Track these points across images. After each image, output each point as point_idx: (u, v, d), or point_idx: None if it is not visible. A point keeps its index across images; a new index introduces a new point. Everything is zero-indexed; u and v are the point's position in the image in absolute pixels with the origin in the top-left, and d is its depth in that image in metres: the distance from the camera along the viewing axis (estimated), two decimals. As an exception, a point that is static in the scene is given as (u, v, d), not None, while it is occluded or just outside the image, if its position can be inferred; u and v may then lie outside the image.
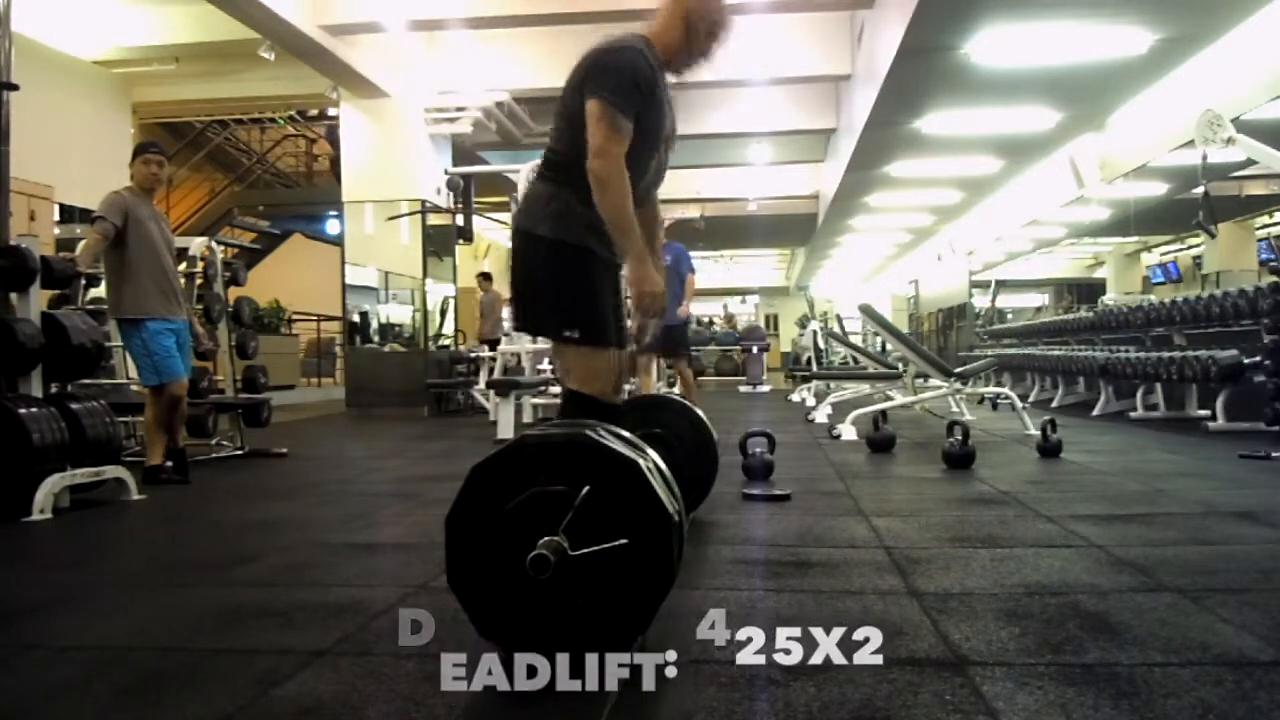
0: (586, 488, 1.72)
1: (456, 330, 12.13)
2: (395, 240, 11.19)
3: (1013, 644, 1.85)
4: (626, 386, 6.43)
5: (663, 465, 1.90)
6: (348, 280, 11.31)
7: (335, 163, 15.00)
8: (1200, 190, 5.88)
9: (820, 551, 2.77)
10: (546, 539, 1.70)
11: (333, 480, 4.80)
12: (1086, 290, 19.07)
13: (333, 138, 15.14)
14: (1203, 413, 6.72)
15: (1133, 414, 7.31)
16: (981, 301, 17.41)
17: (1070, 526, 3.04)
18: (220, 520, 3.70)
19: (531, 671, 1.68)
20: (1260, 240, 13.61)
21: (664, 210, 2.80)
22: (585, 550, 1.70)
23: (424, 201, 10.95)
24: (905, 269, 23.73)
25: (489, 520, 1.75)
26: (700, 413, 3.30)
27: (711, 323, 22.35)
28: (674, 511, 1.78)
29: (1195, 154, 5.74)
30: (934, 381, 6.85)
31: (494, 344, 11.14)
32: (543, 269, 2.45)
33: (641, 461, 1.78)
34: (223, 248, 6.46)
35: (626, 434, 1.91)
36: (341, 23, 9.44)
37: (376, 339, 11.71)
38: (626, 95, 2.36)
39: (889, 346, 11.38)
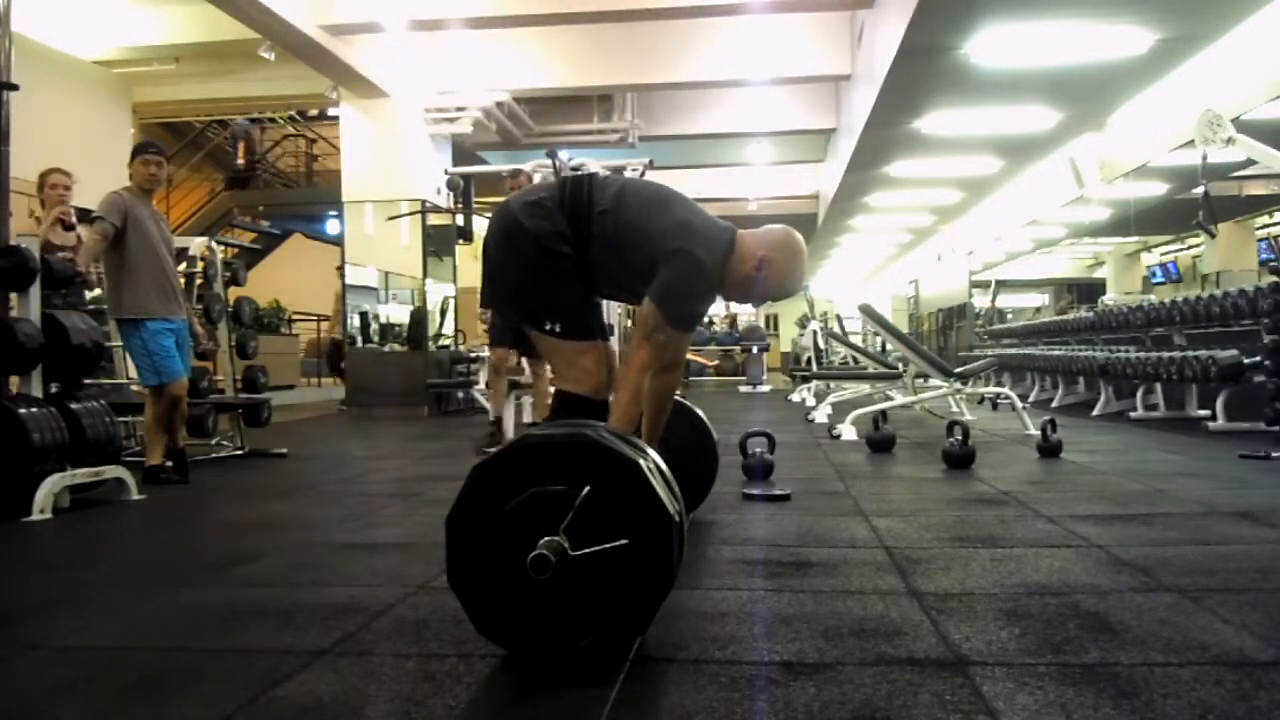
0: (587, 488, 1.72)
1: (457, 330, 12.12)
2: (395, 240, 11.19)
3: (1013, 644, 1.85)
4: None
5: (663, 465, 1.90)
6: (348, 280, 11.31)
7: (234, 177, 14.95)
8: (1200, 190, 5.87)
9: (820, 551, 2.77)
10: (547, 539, 1.70)
11: (333, 480, 4.80)
12: (1086, 290, 19.07)
13: (246, 138, 15.11)
14: (1203, 413, 6.72)
15: (1133, 414, 7.31)
16: (981, 301, 17.41)
17: (1070, 526, 3.04)
18: (220, 520, 3.70)
19: (531, 671, 1.68)
20: (1260, 240, 13.62)
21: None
22: (586, 550, 1.70)
23: (424, 201, 10.95)
24: (905, 269, 23.73)
25: (490, 520, 1.75)
26: (700, 413, 3.31)
27: (712, 323, 22.34)
28: (674, 512, 1.78)
29: (1195, 154, 5.74)
30: (934, 381, 6.85)
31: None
32: (528, 259, 2.50)
33: (642, 462, 1.78)
34: (223, 248, 6.47)
35: (627, 434, 1.91)
36: (341, 23, 9.44)
37: (376, 339, 11.71)
38: (680, 317, 2.49)
39: (889, 346, 11.38)
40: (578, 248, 2.47)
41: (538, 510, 1.73)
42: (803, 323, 13.89)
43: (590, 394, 2.47)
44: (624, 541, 1.71)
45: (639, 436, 2.44)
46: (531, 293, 2.53)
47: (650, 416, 2.69)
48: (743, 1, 9.47)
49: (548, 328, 2.50)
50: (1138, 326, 7.95)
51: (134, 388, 5.29)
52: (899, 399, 7.12)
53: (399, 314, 12.12)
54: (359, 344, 11.52)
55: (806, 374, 11.26)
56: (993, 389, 8.76)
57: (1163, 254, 16.61)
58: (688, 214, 2.51)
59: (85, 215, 4.72)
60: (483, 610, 1.77)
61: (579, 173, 2.90)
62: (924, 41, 7.49)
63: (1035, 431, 5.46)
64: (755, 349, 15.51)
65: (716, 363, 18.29)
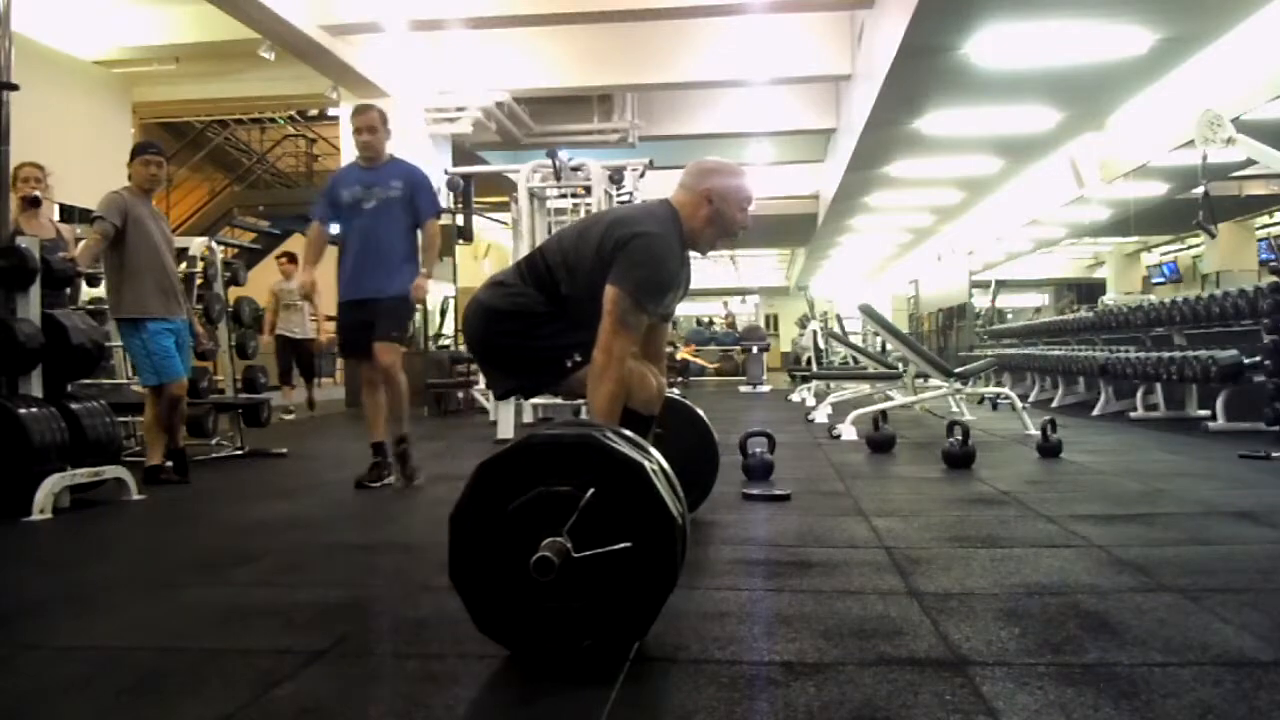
0: (592, 490, 1.72)
1: (457, 330, 12.13)
2: (395, 240, 11.16)
3: (1013, 644, 1.85)
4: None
5: (667, 468, 1.90)
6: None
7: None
8: (1200, 190, 5.87)
9: (820, 551, 2.77)
10: (550, 540, 1.70)
11: (333, 480, 4.79)
12: (1086, 290, 19.08)
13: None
14: (1203, 413, 6.71)
15: (1133, 414, 7.31)
16: (981, 301, 17.42)
17: (1070, 526, 3.04)
18: (220, 520, 3.70)
19: (531, 671, 1.68)
20: (1260, 240, 13.62)
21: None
22: (589, 553, 1.70)
23: (424, 201, 10.94)
24: (905, 269, 23.74)
25: (493, 518, 1.75)
26: (700, 412, 3.31)
27: (711, 322, 22.37)
28: (678, 515, 1.78)
29: (1195, 154, 5.73)
30: (934, 381, 6.85)
31: (295, 343, 9.61)
32: (521, 326, 2.60)
33: (647, 464, 1.78)
34: (223, 248, 6.47)
35: (632, 435, 1.91)
36: (341, 23, 9.44)
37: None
38: (648, 295, 2.46)
39: (889, 346, 11.38)
40: (560, 306, 2.57)
41: (542, 510, 1.73)
42: (803, 323, 13.90)
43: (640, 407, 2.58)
44: (627, 544, 1.71)
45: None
46: (539, 347, 2.60)
47: (664, 383, 2.76)
48: (743, 1, 9.47)
49: (569, 365, 2.55)
50: (1138, 326, 7.95)
51: (134, 388, 5.29)
52: (899, 399, 7.12)
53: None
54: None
55: (806, 374, 11.26)
56: (993, 389, 8.76)
57: (1163, 254, 16.62)
58: (617, 212, 2.62)
59: (86, 215, 4.73)
60: (484, 609, 1.77)
61: (531, 251, 3.05)
62: (924, 41, 7.48)
63: (1035, 431, 5.46)
64: (755, 349, 15.51)
65: (717, 364, 18.31)
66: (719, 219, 2.59)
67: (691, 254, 2.71)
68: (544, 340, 2.58)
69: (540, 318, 2.57)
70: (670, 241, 2.50)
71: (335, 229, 4.47)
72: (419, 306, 4.54)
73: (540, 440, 1.83)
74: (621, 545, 1.71)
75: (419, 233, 4.35)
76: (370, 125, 4.39)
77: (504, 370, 2.74)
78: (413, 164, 4.56)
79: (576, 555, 1.70)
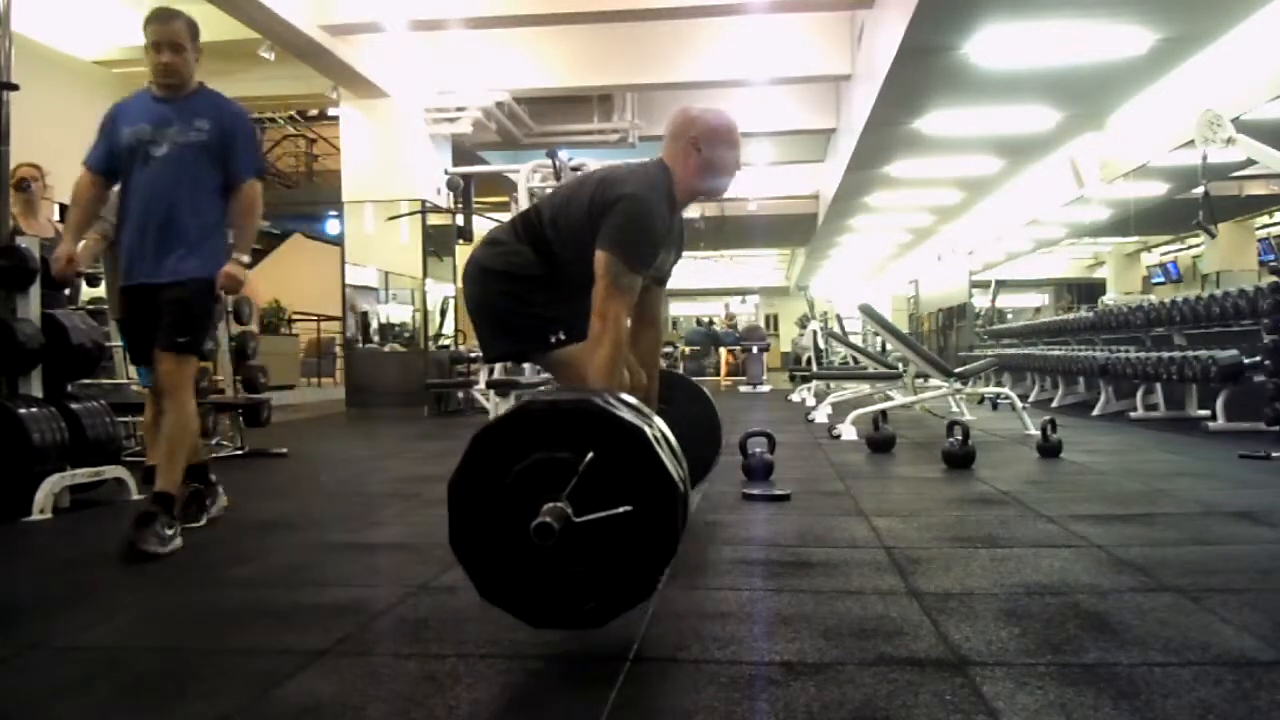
0: (590, 454, 1.71)
1: (457, 330, 12.13)
2: (395, 240, 11.19)
3: (1013, 644, 1.85)
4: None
5: (669, 433, 1.89)
6: (348, 280, 11.30)
7: None
8: (1200, 190, 5.88)
9: (820, 551, 2.77)
10: (550, 504, 1.70)
11: (333, 480, 4.80)
12: (1086, 290, 19.09)
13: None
14: (1203, 413, 6.71)
15: (1133, 414, 7.31)
16: (981, 301, 17.42)
17: (1070, 526, 3.04)
18: (220, 520, 3.69)
19: (532, 671, 1.68)
20: (1260, 240, 13.63)
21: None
22: (590, 517, 1.70)
23: (424, 201, 10.96)
24: (905, 269, 23.74)
25: (493, 484, 1.75)
26: (702, 387, 3.36)
27: (711, 322, 22.38)
28: (679, 479, 1.78)
29: (1195, 154, 5.74)
30: (934, 381, 6.84)
31: None
32: (509, 290, 2.61)
33: (647, 429, 1.77)
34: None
35: (633, 400, 1.91)
36: (341, 23, 9.45)
37: (376, 339, 11.71)
38: (639, 256, 2.45)
39: (889, 346, 11.38)
40: (551, 268, 2.56)
41: (541, 476, 1.73)
42: (803, 323, 13.89)
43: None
44: (628, 508, 1.71)
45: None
46: (528, 313, 2.60)
47: (643, 378, 2.74)
48: (743, 1, 9.47)
49: (554, 340, 2.55)
50: (1138, 326, 7.95)
51: (134, 388, 5.29)
52: (899, 399, 7.12)
53: (399, 314, 12.12)
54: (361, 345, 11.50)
55: (806, 374, 11.25)
56: (993, 389, 8.76)
57: (1163, 254, 16.63)
58: (606, 172, 2.60)
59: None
60: (484, 574, 1.77)
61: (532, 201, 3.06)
62: (924, 41, 7.49)
63: (1035, 431, 5.46)
64: (755, 349, 15.51)
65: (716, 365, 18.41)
66: (711, 163, 2.59)
67: (692, 240, 2.73)
68: (534, 307, 2.59)
69: (533, 282, 2.57)
70: (656, 201, 2.49)
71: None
72: (227, 299, 3.16)
73: (538, 406, 1.83)
74: (622, 509, 1.70)
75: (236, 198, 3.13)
76: (173, 40, 3.05)
77: (496, 330, 2.72)
78: (230, 100, 3.35)
79: (577, 520, 1.69)
